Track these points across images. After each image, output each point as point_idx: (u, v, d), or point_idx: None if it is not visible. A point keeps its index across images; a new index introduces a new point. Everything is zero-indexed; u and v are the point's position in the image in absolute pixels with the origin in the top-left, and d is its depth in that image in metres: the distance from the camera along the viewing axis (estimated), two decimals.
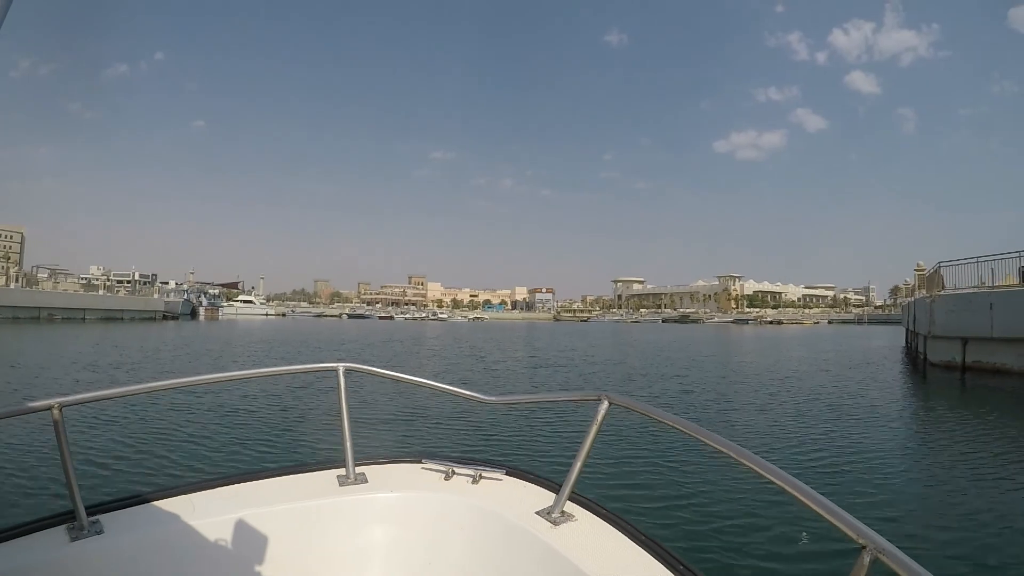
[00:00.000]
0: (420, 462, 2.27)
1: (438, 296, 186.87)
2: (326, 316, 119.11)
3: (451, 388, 2.41)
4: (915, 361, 23.90)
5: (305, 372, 2.55)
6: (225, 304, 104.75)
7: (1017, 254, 19.02)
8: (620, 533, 1.70)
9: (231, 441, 8.16)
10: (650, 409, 1.76)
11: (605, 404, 1.82)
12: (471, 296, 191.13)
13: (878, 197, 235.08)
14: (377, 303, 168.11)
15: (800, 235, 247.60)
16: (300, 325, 67.26)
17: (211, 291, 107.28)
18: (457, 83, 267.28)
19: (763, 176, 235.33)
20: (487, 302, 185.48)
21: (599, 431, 1.82)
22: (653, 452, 7.64)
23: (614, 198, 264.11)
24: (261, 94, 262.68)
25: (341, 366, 2.24)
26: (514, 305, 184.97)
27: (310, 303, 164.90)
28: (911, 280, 35.15)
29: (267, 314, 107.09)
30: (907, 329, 29.03)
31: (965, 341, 19.16)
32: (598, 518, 1.80)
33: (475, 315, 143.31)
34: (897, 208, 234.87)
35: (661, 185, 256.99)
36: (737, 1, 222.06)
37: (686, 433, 1.59)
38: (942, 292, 20.14)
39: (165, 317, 69.93)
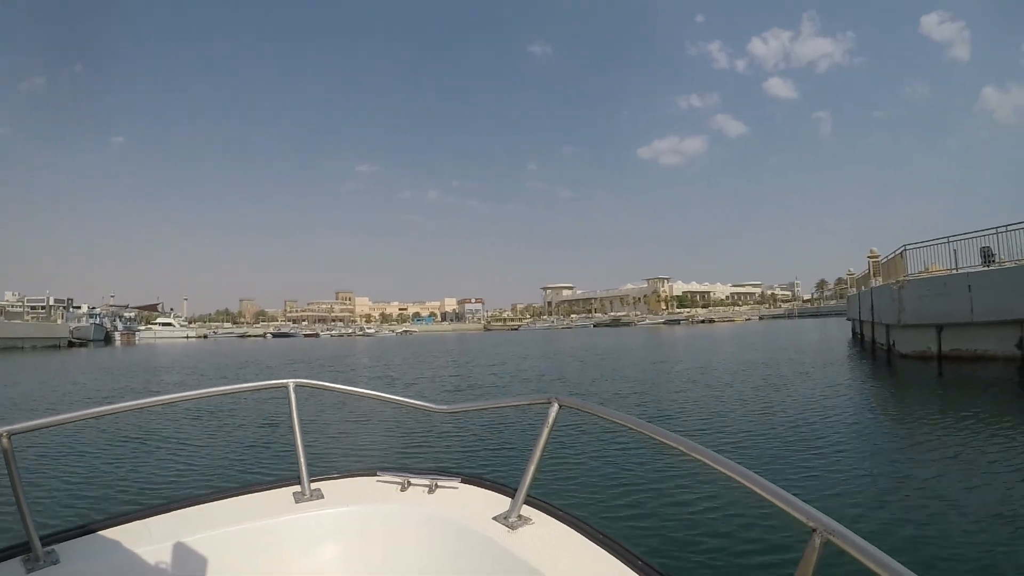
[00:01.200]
0: (375, 475, 2.23)
1: (366, 311, 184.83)
2: (250, 336, 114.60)
3: (402, 399, 2.48)
4: (874, 353, 22.44)
5: (255, 390, 2.40)
6: (142, 328, 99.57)
7: (986, 232, 17.56)
8: (577, 533, 1.70)
9: (184, 463, 8.04)
10: (600, 409, 1.79)
11: (555, 406, 1.85)
12: (400, 309, 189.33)
13: (797, 197, 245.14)
14: (303, 320, 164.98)
15: (725, 236, 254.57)
16: (219, 347, 63.23)
17: (127, 314, 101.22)
18: (381, 97, 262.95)
19: (686, 180, 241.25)
20: (416, 315, 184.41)
21: (551, 433, 1.85)
22: (606, 451, 7.76)
23: (540, 207, 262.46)
24: (185, 113, 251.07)
25: (292, 382, 2.23)
26: (444, 317, 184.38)
27: (234, 323, 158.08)
28: (854, 271, 34.28)
29: (187, 336, 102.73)
30: (859, 320, 27.71)
31: (940, 328, 17.51)
32: (555, 520, 1.80)
33: (403, 328, 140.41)
34: (816, 207, 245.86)
35: (586, 193, 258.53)
36: (659, 12, 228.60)
37: (636, 430, 1.62)
38: (908, 277, 18.41)
39: (72, 344, 64.01)
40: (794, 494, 1.13)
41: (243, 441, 9.41)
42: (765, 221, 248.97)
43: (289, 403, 2.22)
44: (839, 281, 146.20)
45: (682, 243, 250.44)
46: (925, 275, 18.18)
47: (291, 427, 2.20)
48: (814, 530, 1.03)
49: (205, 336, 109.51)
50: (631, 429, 1.64)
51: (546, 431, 1.83)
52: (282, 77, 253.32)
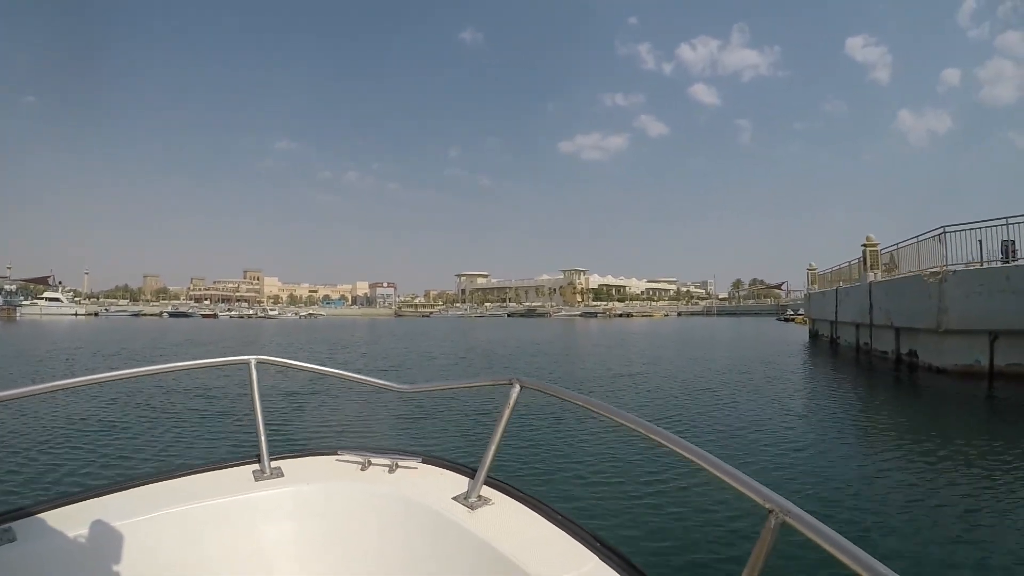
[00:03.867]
0: (336, 454, 2.20)
1: (275, 292, 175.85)
2: (145, 315, 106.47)
3: (364, 378, 2.44)
4: (871, 364, 18.62)
5: (216, 366, 2.36)
6: (26, 303, 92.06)
7: None
8: (536, 514, 1.71)
9: (144, 440, 7.88)
10: (561, 391, 1.79)
11: (517, 388, 1.84)
12: (310, 291, 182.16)
13: (714, 199, 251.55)
14: (206, 300, 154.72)
15: (641, 232, 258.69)
16: (96, 326, 55.47)
17: (7, 287, 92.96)
18: (306, 75, 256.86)
19: (606, 177, 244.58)
20: (326, 298, 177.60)
21: (511, 415, 1.84)
22: (567, 433, 7.84)
23: (460, 194, 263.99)
24: (101, 77, 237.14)
25: (253, 359, 2.20)
26: (354, 300, 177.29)
27: (133, 300, 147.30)
28: (815, 265, 30.66)
29: (76, 314, 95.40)
30: (834, 322, 23.75)
31: (995, 336, 13.30)
32: (514, 500, 1.80)
33: (308, 311, 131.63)
34: (732, 209, 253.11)
35: (506, 183, 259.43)
36: (593, 9, 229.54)
37: (596, 412, 1.63)
38: (950, 268, 14.07)
39: None
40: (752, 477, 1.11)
41: (202, 418, 9.28)
42: (681, 220, 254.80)
43: (250, 380, 2.18)
44: (754, 281, 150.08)
45: (599, 237, 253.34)
46: (975, 267, 13.88)
47: (251, 404, 2.16)
48: (771, 511, 1.04)
49: (96, 314, 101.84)
50: (592, 411, 1.65)
51: (507, 412, 1.83)
52: (206, 50, 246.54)
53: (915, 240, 15.95)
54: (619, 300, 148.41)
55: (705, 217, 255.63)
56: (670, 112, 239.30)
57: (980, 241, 14.61)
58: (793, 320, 61.29)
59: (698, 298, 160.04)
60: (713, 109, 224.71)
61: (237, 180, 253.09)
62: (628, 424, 1.48)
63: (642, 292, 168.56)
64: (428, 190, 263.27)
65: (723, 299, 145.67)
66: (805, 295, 32.69)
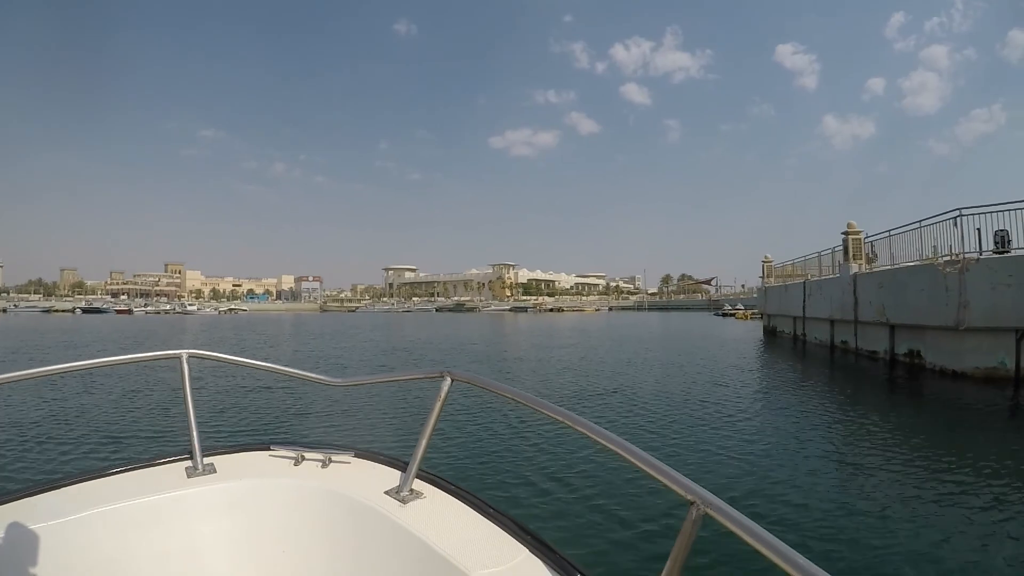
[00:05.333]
0: (269, 449, 2.17)
1: (198, 286, 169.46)
2: (56, 311, 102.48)
3: (296, 371, 2.41)
4: (857, 362, 17.15)
5: (147, 360, 2.30)
6: None
7: None
8: (467, 507, 1.71)
9: (73, 438, 7.67)
10: (492, 384, 1.76)
11: (448, 381, 1.84)
12: (234, 286, 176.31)
13: (642, 196, 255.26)
14: (123, 295, 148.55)
15: (570, 228, 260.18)
16: (6, 324, 51.17)
17: None
18: (233, 63, 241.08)
19: (535, 172, 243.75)
20: (250, 292, 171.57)
21: (443, 408, 1.83)
22: (497, 425, 7.88)
23: (388, 188, 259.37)
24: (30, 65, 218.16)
25: (184, 352, 2.16)
26: (279, 295, 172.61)
27: (47, 295, 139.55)
28: (771, 257, 29.24)
29: None
30: (801, 317, 22.16)
31: (1022, 335, 11.63)
32: (446, 494, 1.81)
33: (228, 307, 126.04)
34: (659, 207, 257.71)
35: (435, 176, 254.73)
36: (529, 6, 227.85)
37: (526, 405, 1.60)
38: (973, 256, 12.35)
39: None
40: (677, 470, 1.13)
41: (134, 415, 9.13)
42: (610, 217, 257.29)
43: (181, 375, 2.16)
44: (683, 277, 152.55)
45: (529, 232, 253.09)
46: (999, 255, 12.17)
47: (183, 399, 2.14)
48: (692, 503, 1.05)
49: (4, 310, 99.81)
50: (520, 404, 1.62)
51: (438, 405, 1.83)
52: (127, 32, 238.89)
53: (916, 225, 14.19)
54: (548, 295, 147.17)
55: (633, 214, 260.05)
56: (601, 110, 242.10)
57: (979, 229, 13.03)
58: (734, 315, 60.98)
59: (628, 293, 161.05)
60: (643, 108, 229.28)
61: (159, 168, 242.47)
62: (556, 416, 1.48)
63: (571, 287, 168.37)
64: (357, 183, 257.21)
65: (653, 294, 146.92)
66: (760, 289, 31.23)
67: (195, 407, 2.13)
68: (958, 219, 12.70)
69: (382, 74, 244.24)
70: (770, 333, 28.07)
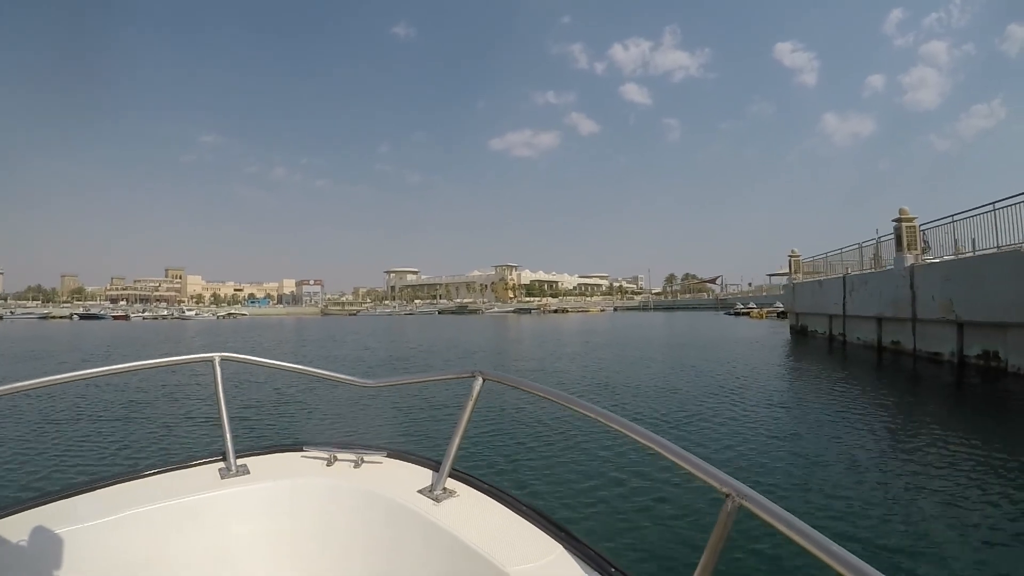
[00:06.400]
0: (301, 450, 2.16)
1: (199, 290, 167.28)
2: (53, 317, 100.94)
3: (328, 373, 2.39)
4: (901, 366, 15.68)
5: (180, 364, 2.29)
6: None
7: None
8: (501, 505, 1.71)
9: (108, 441, 7.76)
10: (523, 382, 1.76)
11: (480, 380, 1.84)
12: (235, 290, 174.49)
13: (643, 195, 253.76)
14: (122, 300, 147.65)
15: (572, 228, 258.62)
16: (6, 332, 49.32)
17: None
18: (234, 68, 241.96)
19: (537, 173, 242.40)
20: (251, 296, 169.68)
21: (475, 407, 1.84)
22: (529, 423, 7.80)
23: (389, 190, 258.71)
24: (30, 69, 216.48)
25: (217, 356, 2.17)
26: (280, 299, 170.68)
27: (46, 301, 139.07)
28: (798, 251, 27.57)
29: None
30: (842, 316, 20.52)
31: None
32: (479, 492, 1.80)
33: (227, 311, 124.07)
34: (660, 205, 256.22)
35: (435, 179, 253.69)
36: (527, 7, 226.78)
37: (558, 403, 1.60)
38: None
39: None
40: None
41: (168, 417, 9.16)
42: (611, 216, 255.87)
43: (215, 378, 2.15)
44: (687, 276, 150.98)
45: (530, 233, 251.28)
46: None
47: (216, 402, 2.12)
48: (728, 495, 1.05)
49: (1, 317, 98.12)
50: (552, 401, 1.63)
51: (470, 405, 1.83)
52: (129, 39, 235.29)
53: (991, 208, 12.56)
54: (552, 296, 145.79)
55: (634, 213, 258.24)
56: (601, 110, 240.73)
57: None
58: (747, 314, 59.31)
59: (632, 293, 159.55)
60: (643, 108, 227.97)
61: (161, 174, 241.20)
62: (588, 413, 1.48)
63: (574, 287, 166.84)
64: (357, 186, 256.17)
65: (657, 294, 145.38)
66: (786, 286, 29.54)
67: (228, 409, 2.11)
68: None
69: (381, 77, 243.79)
70: (799, 333, 26.34)
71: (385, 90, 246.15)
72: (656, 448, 1.24)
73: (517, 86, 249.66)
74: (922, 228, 15.85)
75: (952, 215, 14.20)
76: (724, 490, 1.06)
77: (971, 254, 13.37)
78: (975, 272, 12.53)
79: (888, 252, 17.49)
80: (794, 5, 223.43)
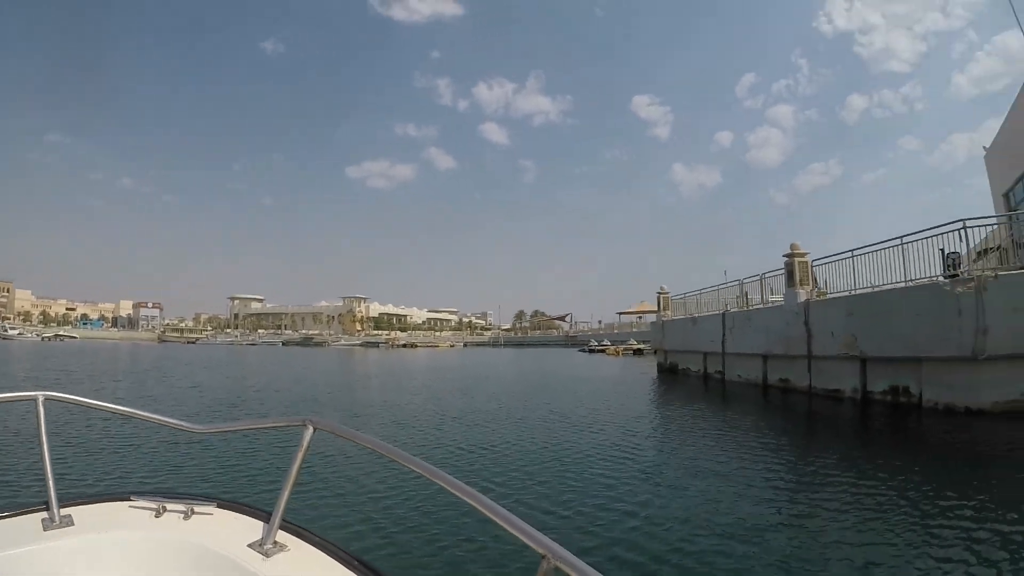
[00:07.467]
0: (129, 499, 2.00)
1: (27, 307, 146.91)
2: None
3: (158, 417, 2.27)
4: (793, 406, 15.57)
5: None
6: None
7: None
8: (331, 559, 1.66)
9: None
10: (354, 434, 1.75)
11: (310, 430, 1.80)
12: (68, 309, 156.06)
13: (495, 234, 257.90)
14: None
15: (422, 262, 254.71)
16: None
17: None
18: (89, 67, 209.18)
19: (391, 205, 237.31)
20: (84, 316, 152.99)
21: (305, 457, 1.80)
22: (362, 474, 7.65)
23: (239, 211, 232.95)
24: None
25: (40, 395, 1.99)
26: (115, 322, 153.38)
27: None
28: (666, 288, 27.66)
29: None
30: (720, 353, 20.28)
31: None
32: (310, 545, 1.73)
33: (56, 333, 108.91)
34: (511, 243, 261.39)
35: (289, 203, 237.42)
36: (398, 37, 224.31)
37: (385, 455, 1.61)
38: (991, 272, 10.73)
39: None
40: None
41: None
42: (462, 253, 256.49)
43: (37, 419, 1.98)
44: (536, 313, 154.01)
45: (380, 266, 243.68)
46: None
47: (39, 445, 1.96)
48: (544, 556, 1.06)
49: None
50: (380, 454, 1.64)
51: (300, 454, 1.78)
52: None
53: (898, 242, 12.51)
54: (401, 329, 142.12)
55: (485, 250, 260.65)
56: (460, 147, 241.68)
57: (942, 249, 11.66)
58: (603, 351, 60.27)
59: (482, 328, 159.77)
60: (501, 148, 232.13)
61: None
62: (414, 468, 1.49)
63: (424, 322, 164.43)
64: (208, 203, 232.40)
65: (507, 330, 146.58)
66: (655, 323, 29.45)
67: (51, 453, 1.94)
68: (963, 230, 11.07)
69: (242, 92, 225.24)
70: (668, 371, 26.17)
71: (246, 106, 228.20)
72: (475, 504, 1.27)
73: (380, 115, 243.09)
74: (814, 264, 15.90)
75: (852, 250, 14.17)
76: (540, 550, 1.07)
77: (870, 289, 13.30)
78: (883, 306, 12.33)
79: (777, 288, 17.49)
80: (655, 62, 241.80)
